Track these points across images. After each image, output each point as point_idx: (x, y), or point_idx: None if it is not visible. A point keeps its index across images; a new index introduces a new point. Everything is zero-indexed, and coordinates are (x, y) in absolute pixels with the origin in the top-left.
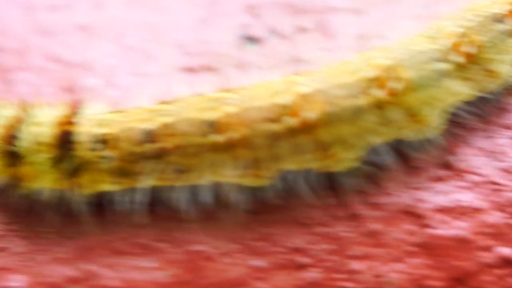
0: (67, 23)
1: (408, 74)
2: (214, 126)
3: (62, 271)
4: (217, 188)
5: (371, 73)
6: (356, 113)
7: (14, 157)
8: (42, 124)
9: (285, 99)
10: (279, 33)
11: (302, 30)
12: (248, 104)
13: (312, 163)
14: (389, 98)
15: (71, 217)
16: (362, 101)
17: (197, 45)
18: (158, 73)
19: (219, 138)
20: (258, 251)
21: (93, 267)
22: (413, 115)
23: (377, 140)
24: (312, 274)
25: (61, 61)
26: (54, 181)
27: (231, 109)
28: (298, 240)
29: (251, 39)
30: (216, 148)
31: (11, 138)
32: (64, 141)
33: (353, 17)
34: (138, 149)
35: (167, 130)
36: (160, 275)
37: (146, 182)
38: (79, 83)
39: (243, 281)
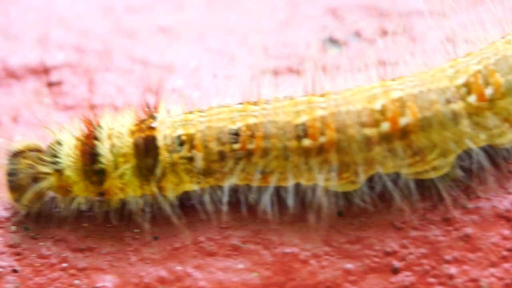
0: (148, 25)
1: (500, 79)
2: (304, 130)
3: (151, 272)
4: (303, 190)
5: (464, 78)
6: (451, 118)
7: (98, 174)
8: (121, 135)
9: (379, 104)
10: (362, 36)
11: (386, 33)
12: (339, 108)
13: (405, 168)
14: (483, 104)
15: (157, 218)
16: (456, 106)
17: (280, 47)
18: (241, 75)
19: (308, 142)
20: (350, 254)
21: (182, 268)
22: (507, 120)
23: (471, 145)
24: (406, 278)
25: (143, 63)
26: (140, 189)
27: (322, 113)
28: (392, 243)
29: (334, 42)
30: (305, 151)
31: (91, 156)
32: (146, 148)
33: (438, 21)
34: (221, 148)
35: (251, 131)
36: (250, 277)
37: (230, 181)
38: (162, 84)
39: (336, 284)
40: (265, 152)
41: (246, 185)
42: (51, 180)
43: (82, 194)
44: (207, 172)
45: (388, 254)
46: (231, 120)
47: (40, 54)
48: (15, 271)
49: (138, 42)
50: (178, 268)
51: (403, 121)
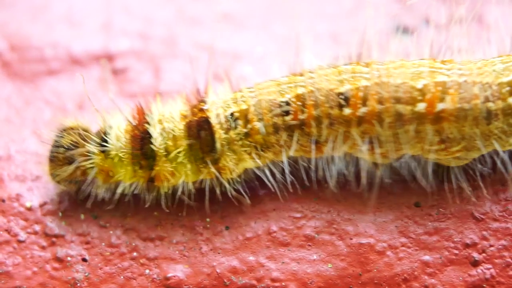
0: (211, 12)
1: None
2: (345, 99)
3: (223, 262)
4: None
5: (510, 77)
6: (485, 117)
7: (148, 159)
8: (172, 119)
9: (421, 83)
10: (432, 23)
11: (457, 20)
12: (383, 80)
13: (430, 154)
14: None
15: (229, 208)
16: (493, 106)
17: (349, 35)
18: (311, 63)
19: (347, 111)
20: (428, 245)
21: (255, 258)
22: None
23: (497, 148)
24: (486, 271)
25: (209, 49)
26: (196, 173)
27: (365, 83)
28: (471, 235)
29: (404, 29)
30: (347, 121)
31: (141, 140)
32: (200, 129)
33: (510, 8)
34: (275, 121)
35: (301, 101)
36: (324, 268)
37: (287, 153)
38: (229, 71)
39: (413, 276)
40: (317, 121)
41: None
42: (95, 161)
43: (129, 180)
44: (264, 146)
45: (467, 246)
46: (280, 92)
47: (104, 41)
48: (84, 260)
49: (203, 29)
50: (251, 258)
51: (439, 106)
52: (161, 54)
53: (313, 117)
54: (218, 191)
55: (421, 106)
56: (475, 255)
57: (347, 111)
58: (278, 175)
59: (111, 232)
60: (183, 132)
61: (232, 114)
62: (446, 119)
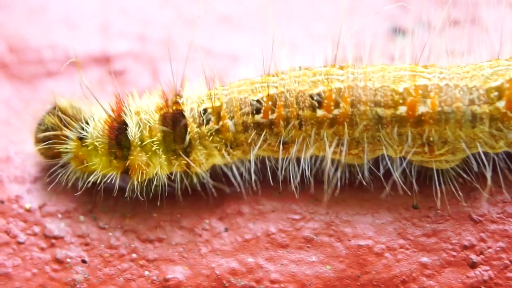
0: (208, 14)
1: None
2: (318, 100)
3: (222, 263)
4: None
5: (499, 82)
6: (469, 120)
7: (123, 148)
8: (148, 111)
9: (401, 86)
10: (429, 25)
11: (453, 22)
12: (357, 83)
13: (413, 155)
14: (509, 113)
15: (227, 209)
16: (479, 109)
17: (346, 36)
18: (306, 63)
19: (320, 112)
20: (426, 247)
21: (254, 260)
22: None
23: (480, 150)
24: (484, 273)
25: (207, 52)
26: (168, 164)
27: (339, 85)
28: (469, 237)
29: (400, 31)
30: (319, 122)
31: (118, 130)
32: (174, 121)
33: (509, 12)
34: (245, 119)
35: (272, 101)
36: (323, 270)
37: (255, 152)
38: (226, 73)
39: (412, 278)
40: (286, 122)
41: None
42: (70, 147)
43: (104, 170)
44: (234, 144)
45: (465, 247)
46: (252, 91)
47: (102, 42)
48: (84, 261)
49: (200, 31)
50: (250, 260)
51: (420, 109)
52: (159, 55)
53: (282, 117)
54: (187, 183)
55: (402, 110)
56: (473, 257)
57: (320, 112)
58: (245, 174)
59: (110, 233)
60: (158, 123)
61: (205, 110)
62: (426, 122)
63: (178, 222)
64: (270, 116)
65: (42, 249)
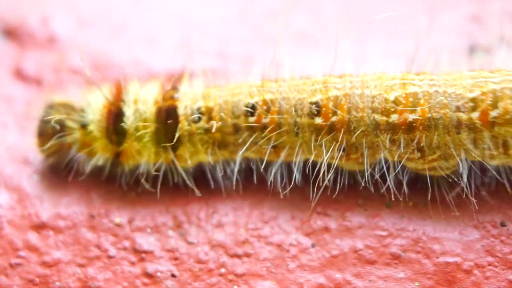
0: (286, 31)
1: (511, 106)
2: (315, 108)
3: (310, 279)
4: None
5: (475, 93)
6: (455, 126)
7: (119, 134)
8: (146, 101)
9: (394, 95)
10: (508, 42)
11: None
12: (353, 91)
13: (406, 161)
14: (484, 124)
15: (314, 225)
16: (464, 116)
17: (423, 52)
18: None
19: (317, 120)
20: None
21: (341, 276)
22: (503, 146)
23: (463, 157)
24: None
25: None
26: (155, 155)
27: (336, 93)
28: None
29: (479, 48)
30: (316, 128)
31: (116, 116)
32: (167, 115)
33: None
34: (236, 121)
35: (266, 106)
36: (411, 286)
37: (243, 153)
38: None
39: None
40: (278, 127)
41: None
42: (77, 135)
43: (101, 152)
44: (222, 145)
45: None
46: (249, 94)
47: (183, 59)
48: (173, 275)
49: (279, 48)
50: (338, 276)
51: (409, 116)
52: (238, 73)
53: (276, 123)
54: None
55: (394, 117)
56: None
57: (318, 120)
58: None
59: (199, 248)
60: (153, 115)
61: (198, 108)
62: (417, 128)
63: (266, 238)
64: (264, 120)
65: (133, 263)
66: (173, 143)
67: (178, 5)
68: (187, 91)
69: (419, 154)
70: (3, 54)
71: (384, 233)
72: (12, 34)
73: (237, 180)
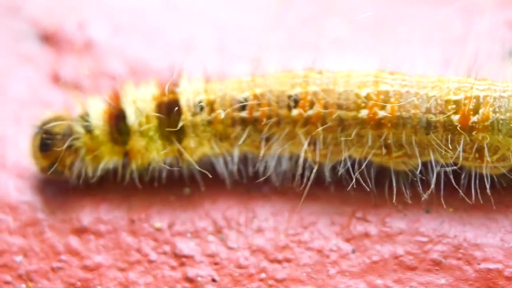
0: (321, 37)
1: (491, 114)
2: (295, 101)
3: (351, 285)
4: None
5: (459, 96)
6: (424, 127)
7: (123, 134)
8: (145, 99)
9: (366, 91)
10: None
11: None
12: (330, 86)
13: (372, 157)
14: (463, 127)
15: (354, 232)
16: (434, 118)
17: (460, 58)
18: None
19: (295, 112)
20: None
21: (382, 282)
22: (478, 151)
23: (431, 158)
24: None
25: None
26: (162, 149)
27: (314, 88)
28: None
29: None
30: (294, 121)
31: (117, 118)
32: (169, 108)
33: None
34: (233, 114)
35: (257, 99)
36: None
37: (238, 145)
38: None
39: None
40: (268, 119)
41: None
42: (84, 140)
43: (108, 156)
44: (223, 137)
45: None
46: (241, 89)
47: (220, 65)
48: (214, 280)
49: (315, 55)
50: (378, 281)
51: (379, 112)
52: None
53: (265, 115)
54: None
55: (363, 113)
56: None
57: (295, 112)
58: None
59: (239, 253)
60: (154, 110)
61: (200, 101)
62: (385, 126)
63: (306, 243)
64: (255, 113)
65: (173, 268)
66: (177, 129)
67: (213, 11)
68: (187, 87)
69: (385, 151)
70: (41, 59)
71: (424, 239)
72: (50, 39)
73: (274, 184)
